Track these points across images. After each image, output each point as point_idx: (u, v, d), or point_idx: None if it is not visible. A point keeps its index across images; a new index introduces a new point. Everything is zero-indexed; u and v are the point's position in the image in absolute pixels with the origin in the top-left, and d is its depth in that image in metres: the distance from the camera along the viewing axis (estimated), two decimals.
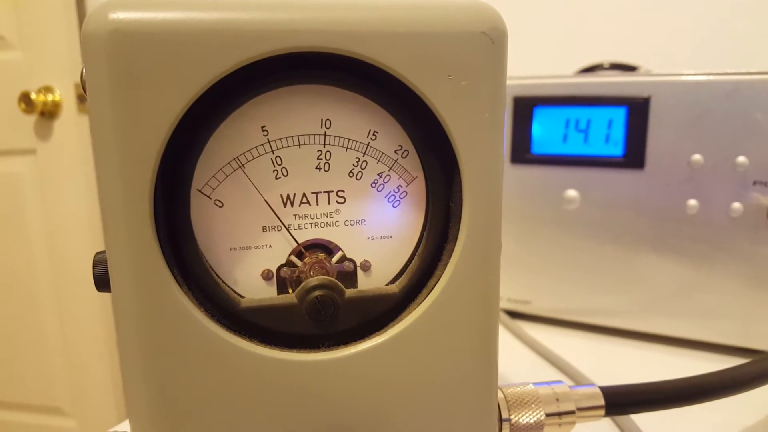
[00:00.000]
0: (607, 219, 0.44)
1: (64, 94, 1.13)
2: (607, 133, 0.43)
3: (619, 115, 0.42)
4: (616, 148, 0.43)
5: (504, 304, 0.49)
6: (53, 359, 1.23)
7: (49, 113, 1.14)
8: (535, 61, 0.85)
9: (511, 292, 0.48)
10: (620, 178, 0.43)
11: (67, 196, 1.15)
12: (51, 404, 1.26)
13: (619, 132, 0.42)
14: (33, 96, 1.10)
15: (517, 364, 0.42)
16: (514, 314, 0.50)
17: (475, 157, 0.20)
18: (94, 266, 0.22)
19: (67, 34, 1.08)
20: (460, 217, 0.21)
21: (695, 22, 0.76)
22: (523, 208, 0.46)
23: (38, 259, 1.19)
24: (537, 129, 0.45)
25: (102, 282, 0.21)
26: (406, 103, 0.20)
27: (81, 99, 1.12)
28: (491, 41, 0.19)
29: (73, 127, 1.14)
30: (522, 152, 0.46)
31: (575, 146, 0.44)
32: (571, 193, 0.44)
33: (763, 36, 0.72)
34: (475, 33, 0.19)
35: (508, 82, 0.45)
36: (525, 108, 0.45)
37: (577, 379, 0.39)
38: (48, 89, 1.13)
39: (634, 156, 0.42)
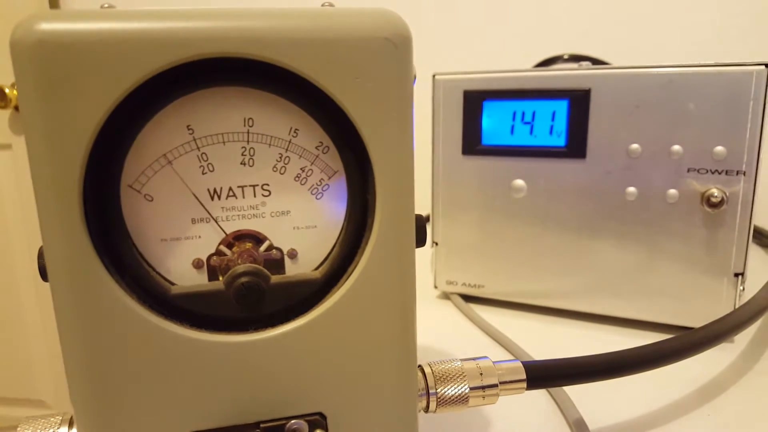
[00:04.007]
0: (552, 206, 0.46)
1: None
2: (551, 124, 0.45)
3: (561, 107, 0.44)
4: (559, 139, 0.44)
5: (458, 288, 0.51)
6: (35, 352, 1.24)
7: None
8: (505, 53, 0.87)
9: (465, 277, 0.50)
10: (564, 167, 0.45)
11: None
12: (33, 397, 1.27)
13: (561, 123, 0.44)
14: (7, 91, 1.11)
15: (468, 345, 0.44)
16: (468, 298, 0.52)
17: (385, 154, 0.22)
18: (39, 257, 0.23)
19: None
20: (375, 208, 0.23)
21: (660, 14, 0.78)
22: (475, 197, 0.48)
23: (17, 253, 1.20)
24: (486, 121, 0.47)
25: (44, 272, 0.23)
26: (322, 103, 0.22)
27: None
28: (394, 46, 0.21)
29: None
30: (473, 144, 0.47)
31: (522, 138, 0.46)
32: (519, 182, 0.46)
33: (727, 27, 0.74)
34: (378, 38, 0.21)
35: (459, 76, 0.47)
36: (475, 102, 0.47)
37: (522, 358, 0.41)
38: None
39: (576, 146, 0.44)
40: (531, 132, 0.45)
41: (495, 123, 0.47)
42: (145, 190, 0.22)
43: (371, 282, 0.23)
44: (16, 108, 1.14)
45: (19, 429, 0.24)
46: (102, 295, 0.21)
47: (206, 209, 0.22)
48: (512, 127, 0.46)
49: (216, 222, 0.23)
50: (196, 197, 0.22)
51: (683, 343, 0.30)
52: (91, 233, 0.21)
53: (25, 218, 1.18)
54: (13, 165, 1.17)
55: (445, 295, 0.53)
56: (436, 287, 0.52)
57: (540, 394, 0.36)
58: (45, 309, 1.21)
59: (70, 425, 0.24)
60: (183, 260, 0.23)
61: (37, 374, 1.26)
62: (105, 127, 0.20)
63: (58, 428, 0.24)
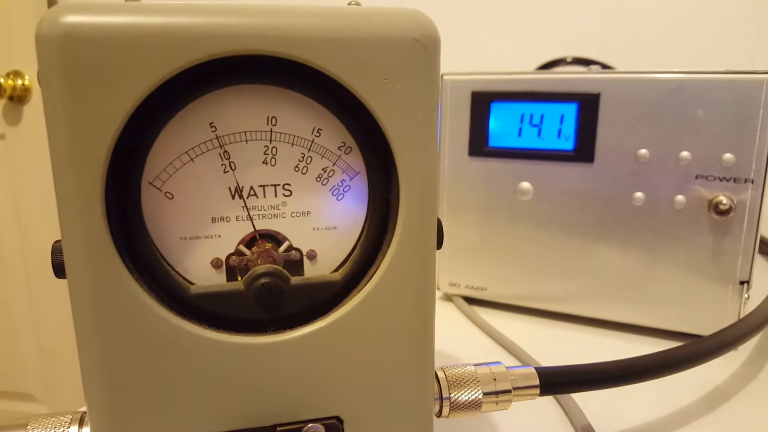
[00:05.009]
0: (558, 210, 0.46)
1: (33, 78, 1.12)
2: (559, 127, 0.45)
3: (570, 110, 0.44)
4: (567, 143, 0.44)
5: (462, 290, 0.51)
6: (24, 346, 1.23)
7: (18, 98, 1.13)
8: (514, 54, 0.87)
9: (468, 279, 0.50)
10: (571, 171, 0.45)
11: (37, 182, 1.14)
12: (21, 391, 1.26)
13: (570, 127, 0.44)
14: (2, 81, 1.09)
15: (472, 347, 0.44)
16: (471, 300, 0.52)
17: (410, 155, 0.22)
18: (53, 254, 0.23)
19: (36, 18, 1.07)
20: (398, 210, 0.22)
21: (669, 20, 0.78)
22: (480, 199, 0.48)
23: (7, 245, 1.19)
24: (494, 123, 0.47)
25: (59, 269, 0.22)
26: (347, 103, 0.22)
27: None
28: (423, 47, 0.21)
29: (42, 113, 1.13)
30: (479, 145, 0.47)
31: (529, 140, 0.46)
32: (525, 185, 0.46)
33: (737, 34, 0.75)
34: (407, 39, 0.20)
35: (467, 77, 0.47)
36: (482, 103, 0.46)
37: (526, 362, 0.41)
38: (17, 74, 1.12)
39: (584, 150, 0.44)
40: (539, 135, 0.45)
41: (502, 125, 0.46)
42: (165, 188, 0.21)
43: (392, 285, 0.23)
44: (11, 98, 1.12)
45: (28, 427, 0.24)
46: (121, 293, 0.20)
47: (245, 205, 0.22)
48: (520, 130, 0.46)
49: (251, 220, 0.22)
50: (239, 191, 0.22)
51: (697, 350, 0.30)
52: (112, 231, 0.20)
53: (18, 209, 1.16)
54: (6, 155, 1.15)
55: (448, 297, 0.53)
56: (438, 289, 0.52)
57: (547, 400, 0.36)
58: (35, 302, 1.20)
59: (80, 425, 0.24)
60: (202, 259, 0.22)
61: (25, 368, 1.24)
62: (128, 123, 0.19)
63: (68, 427, 0.24)
